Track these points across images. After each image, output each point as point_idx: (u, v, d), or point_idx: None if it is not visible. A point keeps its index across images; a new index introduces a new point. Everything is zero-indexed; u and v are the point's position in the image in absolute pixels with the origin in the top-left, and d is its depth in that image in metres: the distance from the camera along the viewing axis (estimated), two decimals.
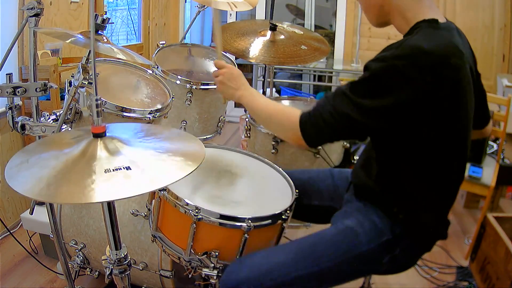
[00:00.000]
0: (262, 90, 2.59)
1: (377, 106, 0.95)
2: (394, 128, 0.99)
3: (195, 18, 2.07)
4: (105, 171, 0.77)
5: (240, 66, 1.98)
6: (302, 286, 1.06)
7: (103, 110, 0.87)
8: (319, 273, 1.06)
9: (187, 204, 1.06)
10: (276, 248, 1.14)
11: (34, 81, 1.27)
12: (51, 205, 1.37)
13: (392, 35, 3.80)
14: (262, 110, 1.18)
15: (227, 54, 2.00)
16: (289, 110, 1.10)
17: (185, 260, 1.12)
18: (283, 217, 1.11)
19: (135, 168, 0.79)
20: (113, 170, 0.77)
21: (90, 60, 1.20)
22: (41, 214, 1.75)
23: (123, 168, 0.78)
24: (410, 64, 0.92)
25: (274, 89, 3.09)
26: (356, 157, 1.78)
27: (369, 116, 0.96)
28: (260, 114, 1.19)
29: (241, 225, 1.05)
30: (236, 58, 2.05)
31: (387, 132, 1.01)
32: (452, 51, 0.96)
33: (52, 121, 1.33)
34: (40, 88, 1.26)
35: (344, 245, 1.08)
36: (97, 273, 1.63)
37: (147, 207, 1.35)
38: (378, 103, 0.95)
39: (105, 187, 0.74)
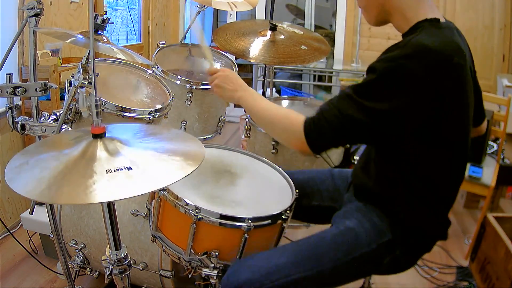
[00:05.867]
0: (262, 90, 2.59)
1: (385, 109, 0.94)
2: (400, 129, 0.98)
3: (195, 18, 2.07)
4: (106, 172, 0.77)
5: (240, 66, 1.99)
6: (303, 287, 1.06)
7: (103, 110, 0.87)
8: (319, 275, 1.06)
9: (187, 204, 1.06)
10: (276, 250, 1.14)
11: (34, 81, 1.27)
12: (51, 205, 1.37)
13: (392, 35, 3.80)
14: (263, 114, 1.15)
15: (227, 54, 2.00)
16: (292, 115, 1.07)
17: (185, 260, 1.12)
18: (283, 217, 1.11)
19: (136, 168, 0.79)
20: (115, 170, 0.77)
21: (90, 60, 1.20)
22: (41, 214, 1.75)
23: (125, 168, 0.78)
24: (417, 63, 0.91)
25: (274, 89, 3.10)
26: (356, 157, 1.78)
27: (377, 119, 0.95)
28: (262, 118, 1.17)
29: (241, 225, 1.05)
30: (236, 58, 2.05)
31: (392, 134, 1.00)
32: (455, 50, 0.96)
33: (52, 121, 1.33)
34: (40, 88, 1.26)
35: (345, 246, 1.08)
36: (97, 273, 1.63)
37: (147, 207, 1.34)
38: (386, 105, 0.93)
39: (107, 187, 0.74)
